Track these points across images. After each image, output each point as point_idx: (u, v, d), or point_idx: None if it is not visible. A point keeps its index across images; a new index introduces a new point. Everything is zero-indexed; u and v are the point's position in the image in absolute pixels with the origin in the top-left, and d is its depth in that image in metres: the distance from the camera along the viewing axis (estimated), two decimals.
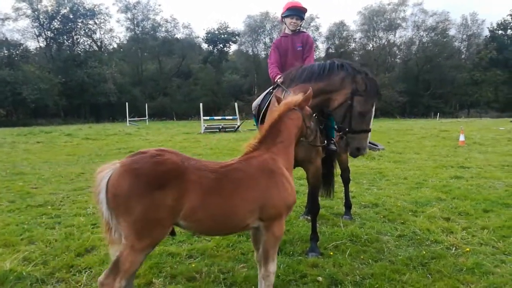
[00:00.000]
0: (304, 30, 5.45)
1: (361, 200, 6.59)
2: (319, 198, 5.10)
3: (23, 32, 53.15)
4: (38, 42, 55.80)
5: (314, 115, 3.59)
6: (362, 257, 4.17)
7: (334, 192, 5.92)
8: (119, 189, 2.51)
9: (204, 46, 66.63)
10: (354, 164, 10.04)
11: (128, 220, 2.52)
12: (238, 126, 22.41)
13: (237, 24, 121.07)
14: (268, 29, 65.80)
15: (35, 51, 56.76)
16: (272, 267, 3.04)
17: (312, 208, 4.61)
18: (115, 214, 2.57)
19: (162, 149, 2.72)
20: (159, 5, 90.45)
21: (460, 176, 8.48)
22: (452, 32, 65.85)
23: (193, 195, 2.62)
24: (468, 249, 4.30)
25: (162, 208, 2.54)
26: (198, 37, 66.53)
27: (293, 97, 3.39)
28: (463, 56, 68.40)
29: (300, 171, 5.40)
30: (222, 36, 62.96)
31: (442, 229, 5.00)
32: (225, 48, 65.29)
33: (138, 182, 2.50)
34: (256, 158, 3.01)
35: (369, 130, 4.16)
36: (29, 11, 51.74)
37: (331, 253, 4.28)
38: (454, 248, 4.37)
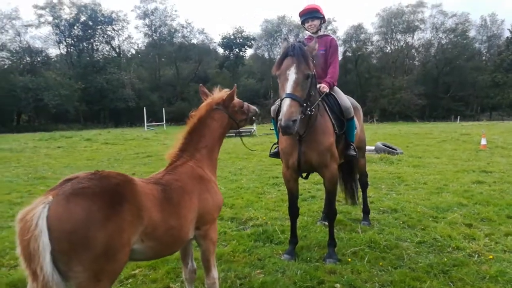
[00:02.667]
0: (329, 33, 5.35)
1: (379, 205, 6.48)
2: (337, 203, 5.03)
3: (45, 39, 54.84)
4: (59, 49, 57.40)
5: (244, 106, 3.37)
6: (381, 263, 4.09)
7: (358, 198, 5.85)
8: (73, 221, 1.91)
9: (220, 51, 67.35)
10: (372, 168, 9.92)
11: (86, 260, 1.94)
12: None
13: (252, 29, 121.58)
14: (285, 33, 65.93)
15: (56, 58, 58.26)
16: (216, 273, 2.99)
17: (329, 214, 4.55)
18: (67, 259, 1.93)
19: (86, 172, 2.24)
20: (176, 11, 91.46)
21: (482, 181, 8.27)
22: (472, 33, 64.79)
23: (151, 207, 2.31)
24: (491, 257, 4.18)
25: (126, 228, 2.10)
26: (214, 42, 67.23)
27: (214, 96, 3.22)
28: (483, 58, 67.18)
29: (316, 176, 5.36)
30: (238, 40, 63.40)
31: (464, 236, 4.87)
32: (241, 53, 65.76)
33: (98, 203, 1.99)
34: (182, 166, 2.87)
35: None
36: (50, 18, 53.29)
37: (349, 260, 4.22)
38: (476, 255, 4.25)
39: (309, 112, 3.90)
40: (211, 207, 2.86)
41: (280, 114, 3.54)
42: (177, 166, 2.87)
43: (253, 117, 3.52)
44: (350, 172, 5.59)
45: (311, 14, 4.84)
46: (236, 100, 3.28)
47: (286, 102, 3.55)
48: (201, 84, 3.50)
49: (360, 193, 5.87)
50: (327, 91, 4.54)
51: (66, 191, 1.99)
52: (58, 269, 1.93)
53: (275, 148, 4.90)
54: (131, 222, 2.13)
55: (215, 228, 2.97)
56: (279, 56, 3.92)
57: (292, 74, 3.69)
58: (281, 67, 3.81)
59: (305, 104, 3.74)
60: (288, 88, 3.63)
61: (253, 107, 3.48)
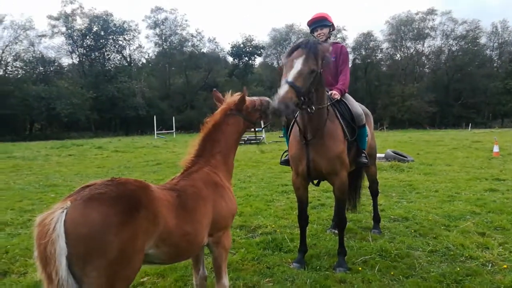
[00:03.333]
0: (338, 41, 5.33)
1: (390, 213, 6.40)
2: (346, 212, 4.98)
3: (58, 49, 55.84)
4: (72, 58, 58.41)
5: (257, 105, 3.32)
6: (392, 273, 4.03)
7: (359, 205, 5.79)
8: (90, 225, 1.93)
9: (230, 59, 67.83)
10: (383, 176, 9.83)
11: (100, 265, 1.94)
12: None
13: (262, 37, 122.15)
14: (293, 41, 66.18)
15: (68, 67, 59.24)
16: (226, 280, 2.98)
17: (339, 222, 4.50)
18: (82, 264, 1.94)
19: (103, 179, 2.28)
20: (186, 21, 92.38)
21: (495, 189, 8.14)
22: (483, 40, 64.33)
23: (167, 213, 2.33)
24: (505, 266, 4.09)
25: (141, 234, 2.11)
26: (224, 50, 67.79)
27: (228, 101, 3.22)
28: (495, 65, 66.59)
29: (326, 184, 5.30)
30: (247, 49, 63.82)
31: (477, 245, 4.78)
32: (250, 61, 66.13)
33: (114, 208, 2.01)
34: (197, 172, 2.89)
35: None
36: (63, 29, 54.33)
37: (360, 269, 4.16)
38: (490, 265, 4.17)
39: (309, 110, 3.85)
40: (225, 213, 2.87)
41: (275, 97, 3.45)
42: (192, 172, 2.90)
43: (267, 112, 3.38)
44: (356, 179, 5.53)
45: (320, 23, 4.84)
46: (248, 100, 3.25)
47: (285, 87, 3.49)
48: (214, 89, 3.49)
49: (362, 201, 5.81)
50: (339, 97, 4.52)
51: (84, 196, 2.02)
52: (73, 274, 1.94)
53: (286, 155, 4.88)
54: (146, 228, 2.14)
55: (228, 235, 2.97)
56: (291, 45, 3.91)
57: (298, 65, 3.67)
58: (289, 57, 3.80)
59: (303, 98, 3.66)
60: (290, 76, 3.60)
61: (265, 99, 3.41)
